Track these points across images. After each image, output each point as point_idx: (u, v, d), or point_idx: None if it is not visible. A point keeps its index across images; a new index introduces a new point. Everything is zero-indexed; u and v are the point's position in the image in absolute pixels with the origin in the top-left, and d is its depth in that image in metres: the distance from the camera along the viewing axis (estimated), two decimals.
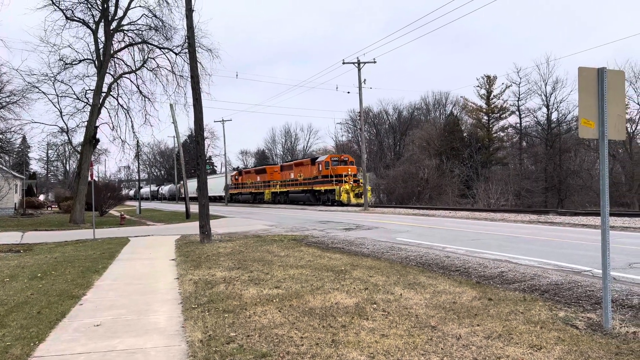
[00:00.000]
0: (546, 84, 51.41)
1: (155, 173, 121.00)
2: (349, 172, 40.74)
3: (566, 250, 10.70)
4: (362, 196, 37.06)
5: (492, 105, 56.39)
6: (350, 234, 15.71)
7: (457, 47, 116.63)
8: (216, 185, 65.91)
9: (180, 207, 42.42)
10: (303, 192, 44.89)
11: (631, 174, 44.97)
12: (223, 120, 57.90)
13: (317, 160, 44.08)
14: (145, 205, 61.09)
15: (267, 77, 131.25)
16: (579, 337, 4.70)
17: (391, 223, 20.12)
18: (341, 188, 38.86)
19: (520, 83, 53.07)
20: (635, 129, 47.25)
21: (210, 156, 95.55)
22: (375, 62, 35.46)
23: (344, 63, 35.72)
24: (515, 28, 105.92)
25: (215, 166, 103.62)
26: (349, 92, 50.82)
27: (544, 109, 52.37)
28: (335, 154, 54.98)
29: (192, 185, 68.20)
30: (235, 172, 66.73)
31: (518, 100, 53.90)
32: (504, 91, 55.34)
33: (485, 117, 57.38)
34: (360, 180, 39.02)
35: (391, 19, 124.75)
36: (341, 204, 38.74)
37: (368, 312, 5.71)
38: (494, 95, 56.32)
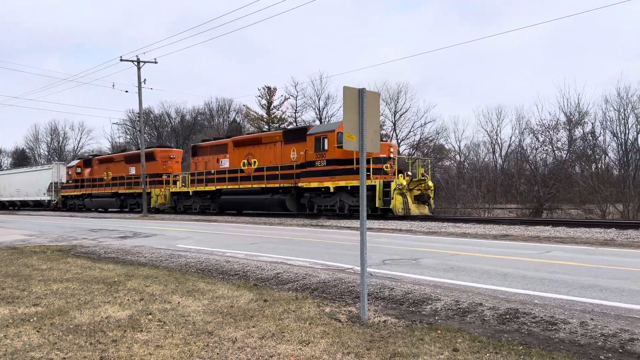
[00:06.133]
0: (319, 98, 56.15)
1: None
2: (391, 155, 22.34)
3: (334, 250, 11.78)
4: (428, 201, 22.28)
5: (272, 116, 59.19)
6: (126, 242, 14.80)
7: (244, 57, 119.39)
8: (31, 183, 46.96)
9: None
10: (264, 193, 26.03)
11: None
12: None
13: (309, 133, 24.09)
14: None
15: (32, 69, 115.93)
16: (341, 330, 5.22)
17: (172, 230, 19.57)
18: (393, 184, 20.74)
19: (297, 96, 56.91)
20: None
21: None
22: (156, 62, 34.39)
23: (121, 60, 33.82)
24: (296, 44, 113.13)
25: None
26: (127, 91, 48.00)
27: (318, 122, 56.95)
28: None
29: None
30: (77, 162, 43.41)
31: (295, 112, 57.73)
32: (282, 103, 58.61)
33: (266, 127, 59.90)
34: (421, 171, 22.63)
35: (178, 21, 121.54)
36: (387, 212, 21.46)
37: (142, 324, 5.45)
38: (274, 106, 59.22)
